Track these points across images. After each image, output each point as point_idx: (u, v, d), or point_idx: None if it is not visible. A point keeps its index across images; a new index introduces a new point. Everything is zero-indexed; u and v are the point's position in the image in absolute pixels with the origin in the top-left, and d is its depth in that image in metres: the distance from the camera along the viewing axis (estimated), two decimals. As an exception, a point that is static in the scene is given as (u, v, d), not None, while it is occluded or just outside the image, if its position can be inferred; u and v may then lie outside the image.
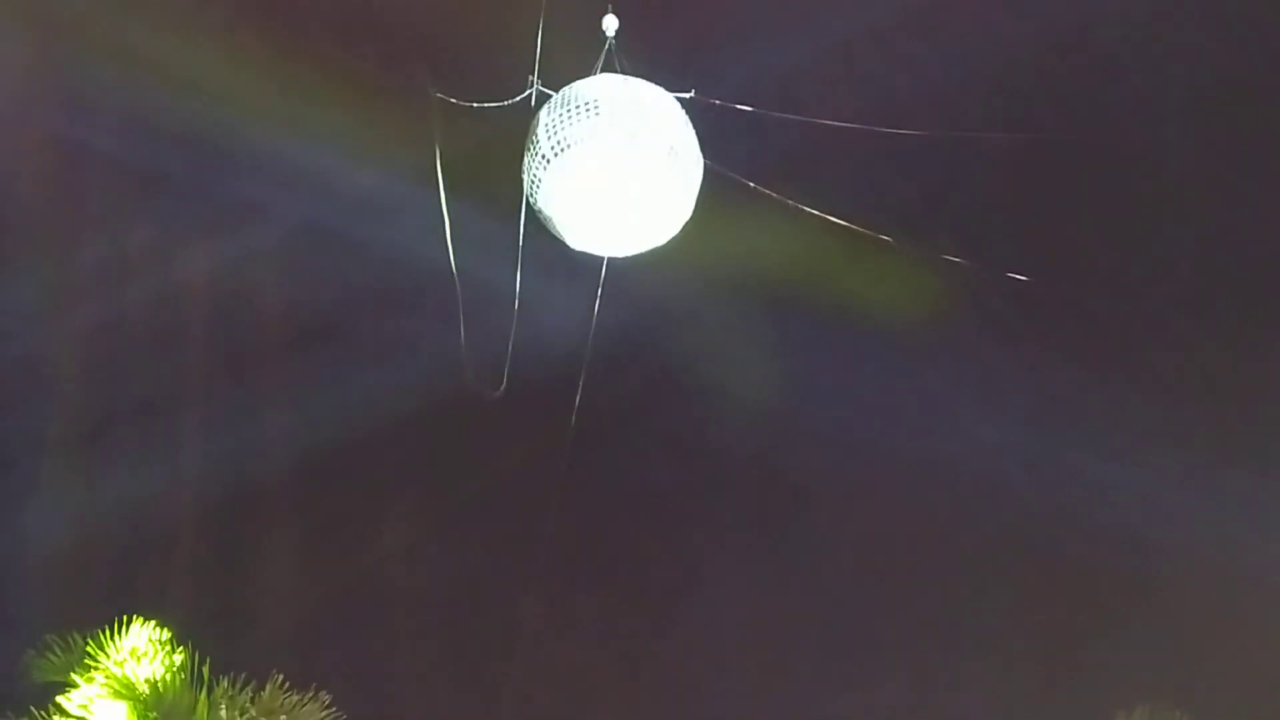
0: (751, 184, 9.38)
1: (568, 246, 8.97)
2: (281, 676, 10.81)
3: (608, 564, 13.77)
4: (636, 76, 8.55)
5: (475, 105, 9.02)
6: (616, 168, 8.20)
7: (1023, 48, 11.34)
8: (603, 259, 9.35)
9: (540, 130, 8.27)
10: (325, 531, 13.18)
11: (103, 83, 10.49)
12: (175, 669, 10.66)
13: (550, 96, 8.48)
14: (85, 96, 10.73)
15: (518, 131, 8.75)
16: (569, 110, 8.21)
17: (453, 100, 9.12)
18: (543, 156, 8.22)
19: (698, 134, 8.64)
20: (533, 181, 8.39)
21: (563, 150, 8.17)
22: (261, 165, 11.21)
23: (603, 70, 8.64)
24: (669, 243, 9.15)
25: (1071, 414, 12.95)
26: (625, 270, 9.92)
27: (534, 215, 8.80)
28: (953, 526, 13.36)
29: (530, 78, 8.61)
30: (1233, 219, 12.13)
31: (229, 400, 12.70)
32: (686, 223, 8.96)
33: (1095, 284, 12.61)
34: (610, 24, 8.74)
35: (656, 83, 8.58)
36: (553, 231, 8.78)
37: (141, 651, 10.76)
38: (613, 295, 10.21)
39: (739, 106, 9.14)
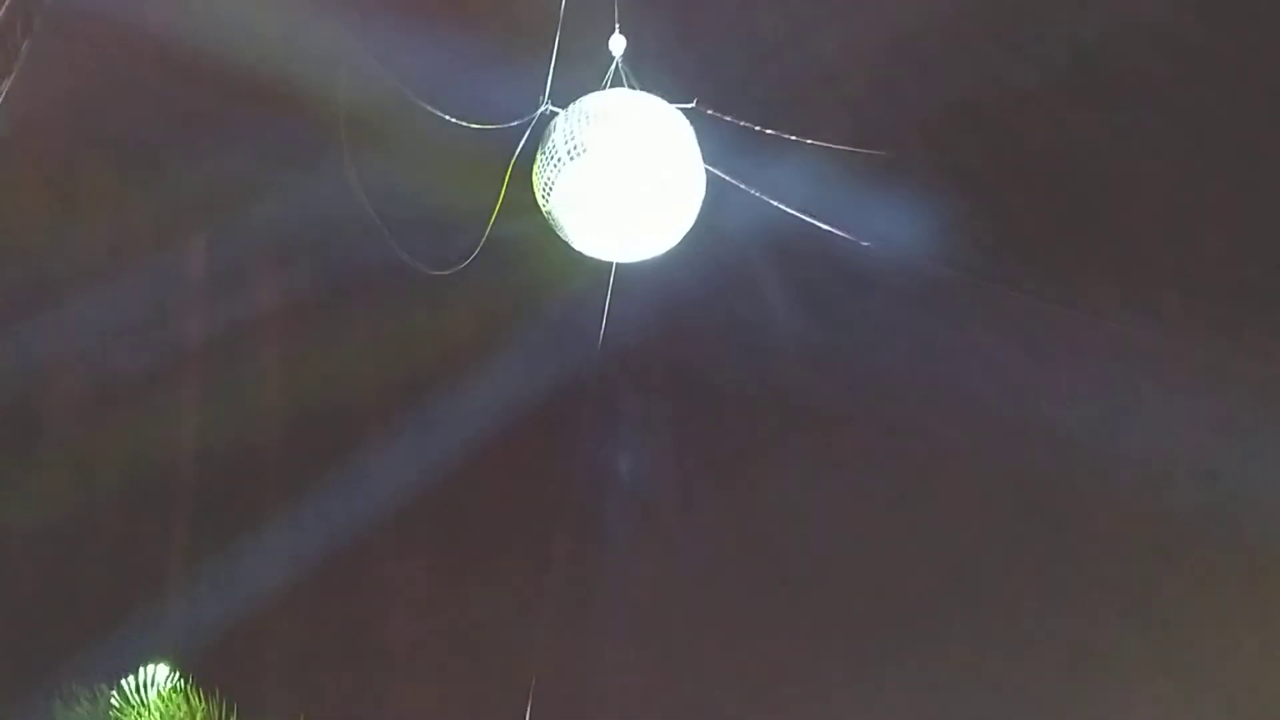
0: (755, 193, 9.64)
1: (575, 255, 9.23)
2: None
3: (618, 603, 13.76)
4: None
5: (492, 126, 9.26)
6: (628, 173, 8.48)
7: (1015, 75, 11.58)
8: (611, 265, 9.58)
9: (557, 135, 8.56)
10: (340, 575, 13.20)
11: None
12: (200, 718, 10.64)
13: (559, 113, 8.77)
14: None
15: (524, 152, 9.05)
16: (585, 118, 8.48)
17: (473, 125, 9.38)
18: (557, 160, 8.48)
19: (700, 145, 8.96)
20: (546, 185, 8.63)
21: (579, 155, 8.42)
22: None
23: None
24: (675, 256, 9.42)
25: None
26: (630, 288, 10.15)
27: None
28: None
29: (540, 98, 8.86)
30: (1224, 231, 12.30)
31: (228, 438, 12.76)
32: (692, 234, 9.25)
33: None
34: (618, 45, 9.03)
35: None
36: (561, 235, 9.04)
37: (166, 700, 10.75)
38: (618, 317, 10.43)
39: (725, 118, 9.41)
